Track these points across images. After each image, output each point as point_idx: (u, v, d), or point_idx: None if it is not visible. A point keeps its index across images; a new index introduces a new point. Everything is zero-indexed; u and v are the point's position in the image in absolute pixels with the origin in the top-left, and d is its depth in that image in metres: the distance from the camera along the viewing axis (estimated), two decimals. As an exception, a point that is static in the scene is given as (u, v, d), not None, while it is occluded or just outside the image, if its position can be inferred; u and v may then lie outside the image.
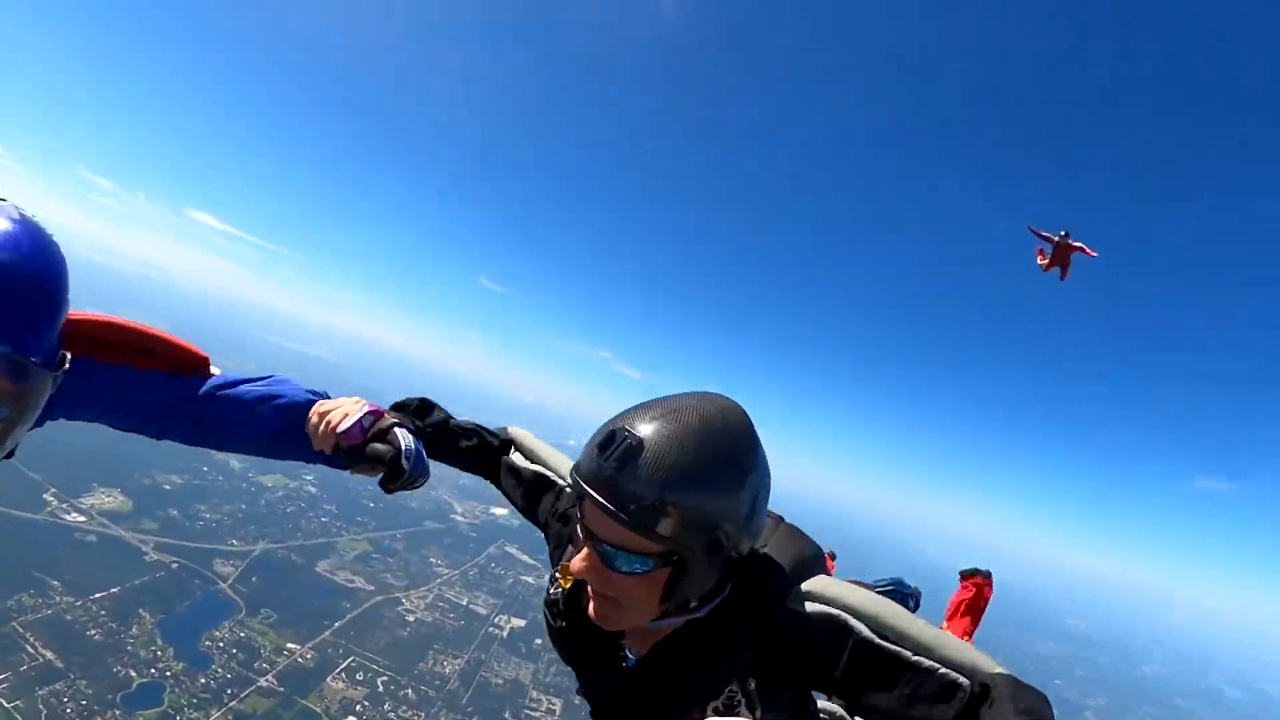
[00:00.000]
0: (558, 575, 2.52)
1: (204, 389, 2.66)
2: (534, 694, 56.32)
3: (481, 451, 3.27)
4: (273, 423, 2.70)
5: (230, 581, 55.35)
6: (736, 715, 2.11)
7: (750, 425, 2.06)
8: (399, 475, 2.57)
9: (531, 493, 3.12)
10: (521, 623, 67.11)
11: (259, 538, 63.43)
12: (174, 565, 54.12)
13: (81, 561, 49.66)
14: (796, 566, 2.25)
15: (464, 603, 67.97)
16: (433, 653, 56.95)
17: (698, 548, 1.98)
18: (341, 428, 2.57)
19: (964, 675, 2.00)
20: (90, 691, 39.02)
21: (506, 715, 52.70)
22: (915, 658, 2.00)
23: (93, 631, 43.77)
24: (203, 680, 44.01)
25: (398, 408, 3.06)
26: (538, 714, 54.23)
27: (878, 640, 2.01)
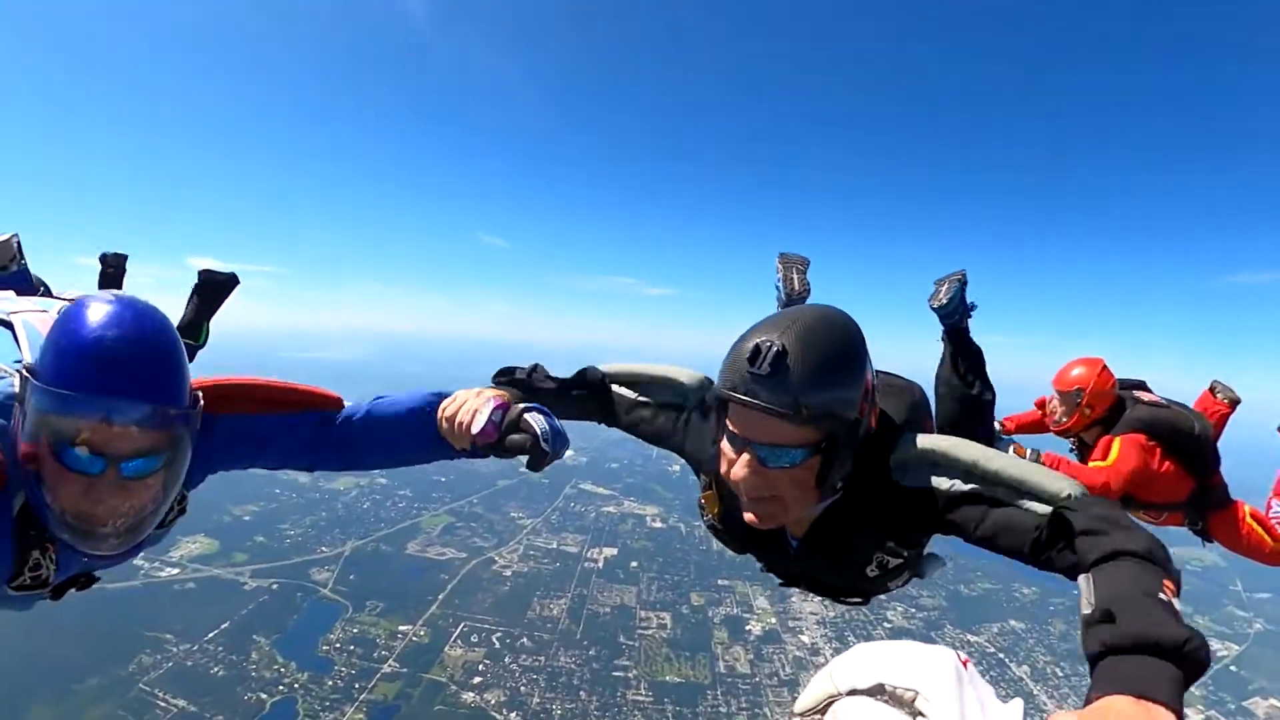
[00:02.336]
0: (702, 505, 3.02)
1: (340, 419, 2.90)
2: (642, 614, 57.54)
3: (591, 396, 3.36)
4: (408, 434, 2.89)
5: (330, 586, 56.90)
6: (886, 570, 2.74)
7: (853, 319, 2.39)
8: (543, 458, 2.68)
9: (651, 422, 3.22)
10: (613, 551, 68.71)
11: (345, 538, 64.88)
12: (274, 586, 55.82)
13: (187, 609, 51.31)
14: (908, 416, 2.90)
15: (554, 546, 69.20)
16: (537, 599, 58.20)
17: (842, 430, 2.24)
18: (475, 429, 2.68)
19: (1048, 501, 2.24)
20: (228, 725, 40.42)
21: (621, 638, 53.84)
22: (1005, 492, 2.32)
23: (215, 669, 45.37)
24: (329, 683, 45.62)
25: (505, 375, 3.25)
26: (650, 629, 55.39)
27: (971, 487, 2.36)
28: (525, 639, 52.85)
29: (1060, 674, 53.25)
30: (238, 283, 5.52)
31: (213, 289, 5.51)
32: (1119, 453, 5.65)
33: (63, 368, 2.01)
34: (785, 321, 2.24)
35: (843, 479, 2.41)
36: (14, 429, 2.14)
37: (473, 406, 2.73)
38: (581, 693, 47.45)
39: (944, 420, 4.54)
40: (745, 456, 2.27)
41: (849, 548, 2.67)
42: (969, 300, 4.74)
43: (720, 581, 64.28)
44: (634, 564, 66.36)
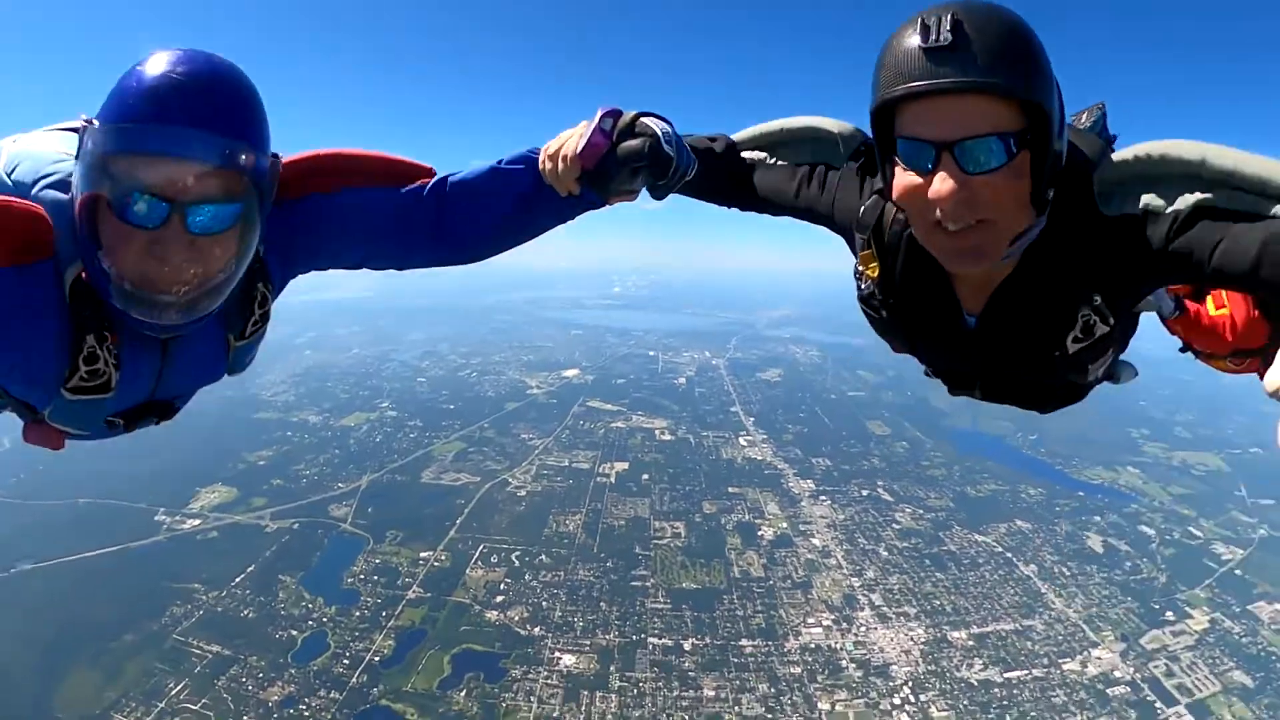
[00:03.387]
0: (859, 270, 2.47)
1: (429, 189, 2.60)
2: (656, 524, 58.79)
3: (718, 168, 2.88)
4: (508, 188, 2.58)
5: (349, 520, 58.04)
6: (1091, 339, 2.13)
7: None
8: (666, 166, 2.33)
9: (794, 188, 2.73)
10: (624, 465, 70.00)
11: (360, 473, 65.90)
12: (295, 526, 56.94)
13: (211, 557, 52.45)
14: (1094, 155, 2.16)
15: (565, 464, 70.25)
16: (552, 517, 59.46)
17: (1043, 119, 1.81)
18: (581, 146, 2.34)
19: None
20: (263, 663, 41.94)
21: (637, 549, 55.03)
22: (1250, 200, 1.79)
23: (245, 612, 46.62)
24: (357, 613, 46.88)
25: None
26: (665, 539, 56.58)
27: (1199, 198, 1.85)
28: (544, 556, 54.04)
29: (1067, 573, 54.35)
30: None
31: None
32: None
33: (125, 104, 1.81)
34: (939, 5, 1.82)
35: (1051, 190, 1.95)
36: (74, 188, 1.92)
37: (579, 131, 2.38)
38: (602, 604, 48.62)
39: None
40: (943, 169, 1.82)
41: (1045, 313, 2.16)
42: (1110, 132, 4.18)
43: (731, 489, 65.67)
44: (645, 477, 67.47)
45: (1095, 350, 2.17)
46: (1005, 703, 41.16)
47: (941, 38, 1.73)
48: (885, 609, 49.26)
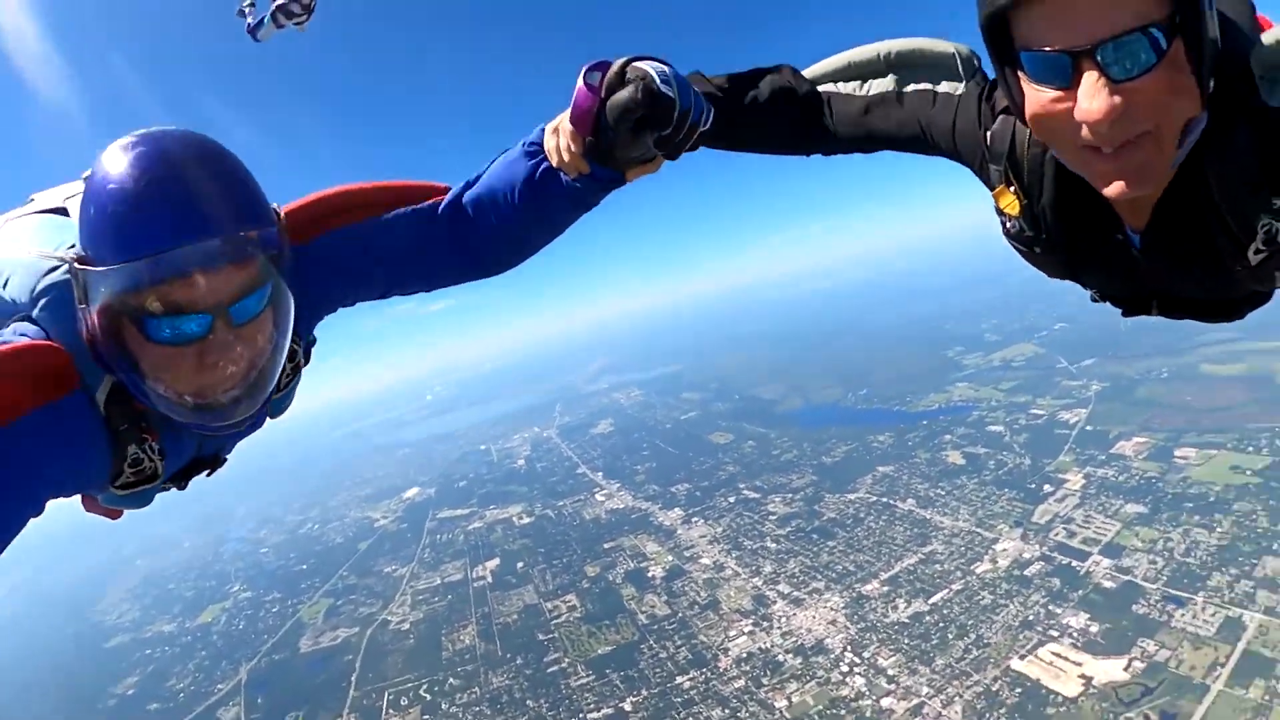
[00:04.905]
0: (999, 208, 2.14)
1: (443, 206, 2.50)
2: (548, 605, 58.09)
3: (792, 106, 2.49)
4: (516, 187, 2.39)
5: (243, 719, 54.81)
6: (1275, 246, 1.69)
7: None
8: (667, 111, 1.97)
9: (896, 114, 2.35)
10: (495, 562, 69.16)
11: (236, 667, 61.67)
12: None
13: None
14: (1247, 30, 1.75)
15: (438, 582, 68.66)
16: (445, 638, 57.43)
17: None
18: (573, 115, 2.08)
19: None
20: None
21: (540, 636, 53.84)
22: None
23: None
24: None
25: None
26: (562, 616, 55.92)
27: None
28: (452, 679, 52.14)
29: (943, 493, 58.00)
30: None
31: None
32: None
33: (120, 234, 1.67)
34: None
35: (1213, 78, 1.59)
36: (81, 322, 1.82)
37: (571, 107, 2.10)
38: (528, 702, 47.23)
39: None
40: (1086, 80, 1.49)
41: (1218, 226, 1.78)
42: None
43: (606, 545, 66.19)
44: (520, 565, 66.80)
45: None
46: (942, 624, 42.88)
47: None
48: (796, 593, 50.31)
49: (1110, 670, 36.40)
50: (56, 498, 1.97)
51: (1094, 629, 39.34)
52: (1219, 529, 44.20)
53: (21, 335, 1.90)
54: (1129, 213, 1.95)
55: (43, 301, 1.95)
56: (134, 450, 1.99)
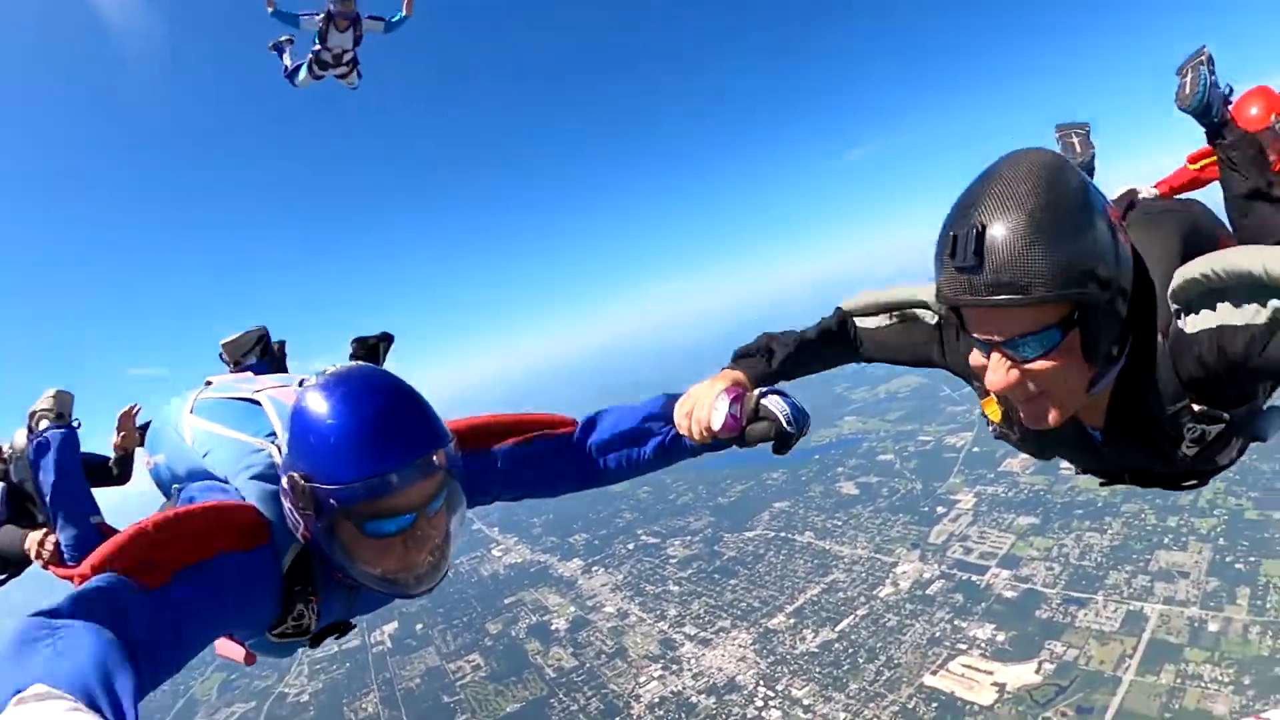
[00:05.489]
0: (985, 414, 2.55)
1: (577, 438, 2.99)
2: (451, 666, 56.51)
3: (834, 343, 3.14)
4: (650, 445, 2.94)
5: None
6: (1206, 442, 2.15)
7: (1055, 155, 1.95)
8: (789, 441, 2.61)
9: (905, 346, 2.98)
10: (393, 625, 65.18)
11: None
12: None
13: None
14: (1185, 246, 2.24)
15: (334, 650, 61.62)
16: (347, 708, 55.26)
17: (1093, 291, 1.83)
18: (715, 425, 2.58)
19: None
20: None
21: (445, 699, 52.63)
22: None
23: None
24: None
25: (742, 358, 3.00)
26: (466, 676, 54.55)
27: (1275, 307, 1.85)
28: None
29: (839, 523, 59.33)
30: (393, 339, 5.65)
31: (370, 352, 5.55)
32: None
33: (344, 462, 2.03)
34: (980, 190, 1.90)
35: (1118, 344, 2.05)
36: (290, 512, 2.18)
37: (707, 402, 2.63)
38: (439, 766, 45.68)
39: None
40: (994, 358, 1.99)
41: (1157, 425, 2.21)
42: (1222, 84, 4.23)
43: (506, 600, 64.82)
44: (419, 626, 64.34)
45: (1215, 447, 2.23)
46: (851, 649, 43.64)
47: (967, 260, 1.83)
48: (703, 634, 50.50)
49: (1022, 675, 37.88)
50: (223, 632, 2.32)
51: (1000, 638, 40.84)
52: (1110, 530, 46.86)
53: (223, 493, 2.39)
54: (1086, 416, 2.33)
55: (246, 478, 2.36)
56: (300, 607, 2.35)
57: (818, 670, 42.28)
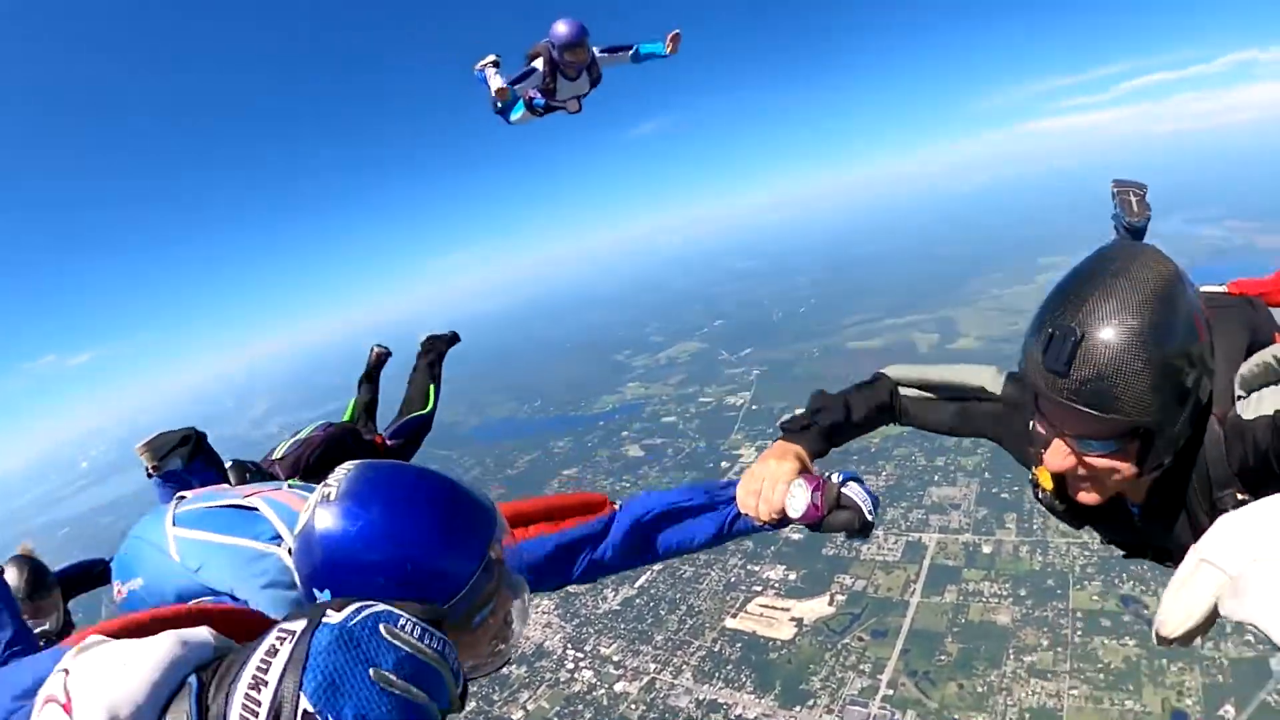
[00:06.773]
0: (1037, 480, 2.52)
1: (619, 516, 2.89)
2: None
3: (880, 410, 3.13)
4: (711, 525, 2.89)
5: None
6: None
7: (1167, 262, 1.97)
8: (869, 530, 2.55)
9: (958, 425, 3.03)
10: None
11: None
12: None
13: None
14: (1249, 345, 2.21)
15: None
16: None
17: (1162, 411, 1.88)
18: (795, 513, 2.53)
19: None
20: None
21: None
22: None
23: None
24: None
25: (791, 430, 2.96)
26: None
27: None
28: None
29: (626, 484, 58.95)
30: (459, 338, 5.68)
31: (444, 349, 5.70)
32: None
33: (441, 577, 1.87)
34: (1090, 288, 1.91)
35: (1171, 456, 2.06)
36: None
37: (780, 485, 2.58)
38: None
39: None
40: (1058, 444, 2.06)
41: (1196, 508, 2.26)
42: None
43: None
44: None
45: None
46: (652, 603, 44.15)
47: (1059, 366, 1.89)
48: None
49: (817, 608, 39.43)
50: None
51: (792, 577, 42.33)
52: (885, 472, 49.52)
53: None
54: (1129, 493, 2.37)
55: (257, 587, 2.29)
56: None
57: (623, 626, 42.60)
